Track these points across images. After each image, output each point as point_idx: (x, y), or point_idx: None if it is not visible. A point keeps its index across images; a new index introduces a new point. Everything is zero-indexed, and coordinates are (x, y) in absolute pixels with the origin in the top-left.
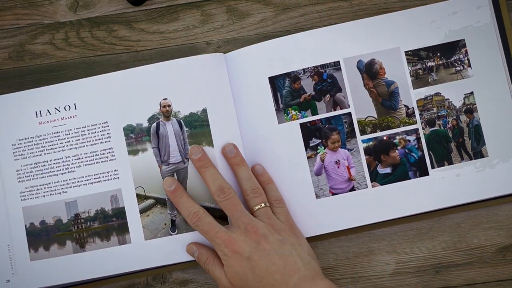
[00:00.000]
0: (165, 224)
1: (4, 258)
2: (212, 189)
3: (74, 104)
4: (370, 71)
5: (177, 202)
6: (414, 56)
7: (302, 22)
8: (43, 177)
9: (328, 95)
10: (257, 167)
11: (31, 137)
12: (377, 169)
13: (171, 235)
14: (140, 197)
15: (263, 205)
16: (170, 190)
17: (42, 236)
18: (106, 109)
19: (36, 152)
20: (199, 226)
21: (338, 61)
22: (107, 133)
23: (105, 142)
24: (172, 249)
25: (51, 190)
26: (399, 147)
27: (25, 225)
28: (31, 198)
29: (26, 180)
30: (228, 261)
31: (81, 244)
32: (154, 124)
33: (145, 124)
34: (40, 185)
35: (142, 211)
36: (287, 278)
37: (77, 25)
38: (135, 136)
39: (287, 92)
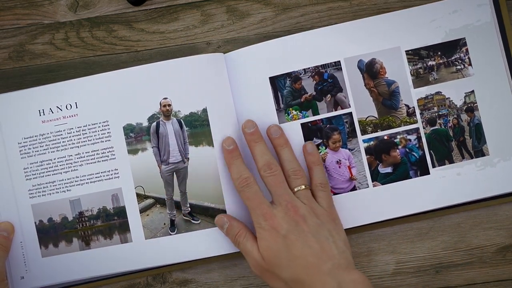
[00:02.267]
0: (165, 224)
1: (18, 255)
2: (259, 163)
3: (75, 103)
4: (370, 71)
5: (230, 162)
6: (414, 55)
7: (302, 22)
8: (48, 175)
9: (329, 95)
10: (308, 146)
11: (35, 136)
12: (378, 168)
13: (171, 234)
14: (140, 197)
15: (303, 187)
16: (228, 149)
17: (51, 233)
18: (106, 108)
19: (40, 150)
20: (245, 192)
21: (339, 61)
22: (107, 132)
23: (106, 141)
24: (171, 249)
25: (56, 188)
26: (400, 147)
27: (35, 222)
28: (38, 196)
29: (33, 178)
30: (264, 234)
31: (87, 242)
32: (154, 124)
33: (145, 124)
34: (46, 183)
35: (142, 211)
36: (321, 262)
37: (77, 25)
38: (135, 136)
39: (288, 92)
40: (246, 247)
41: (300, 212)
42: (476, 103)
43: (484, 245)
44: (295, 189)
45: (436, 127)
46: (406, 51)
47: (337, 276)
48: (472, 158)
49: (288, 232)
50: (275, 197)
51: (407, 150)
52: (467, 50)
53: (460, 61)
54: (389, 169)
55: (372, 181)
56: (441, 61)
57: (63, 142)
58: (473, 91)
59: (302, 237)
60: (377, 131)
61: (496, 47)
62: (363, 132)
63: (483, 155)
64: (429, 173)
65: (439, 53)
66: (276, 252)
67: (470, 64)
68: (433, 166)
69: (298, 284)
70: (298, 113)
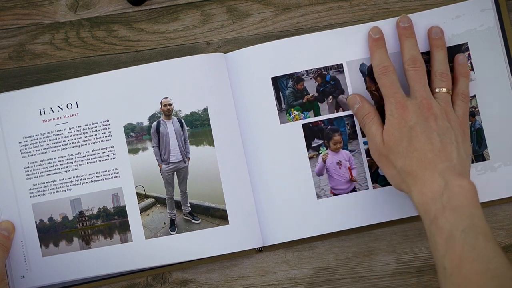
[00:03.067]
0: (165, 223)
1: (18, 254)
2: (405, 56)
3: (76, 102)
4: (372, 74)
5: (374, 50)
6: None
7: (302, 22)
8: (49, 174)
9: (331, 96)
10: (460, 57)
11: (36, 135)
12: (378, 170)
13: (171, 234)
14: (140, 196)
15: (444, 90)
16: (374, 38)
17: (51, 233)
18: (107, 107)
19: (41, 149)
20: (383, 79)
21: (341, 64)
22: (108, 132)
23: (106, 140)
24: (171, 249)
25: (56, 188)
26: None
27: (35, 222)
28: (39, 195)
29: (34, 177)
30: (392, 121)
31: (87, 241)
32: (155, 123)
33: (146, 123)
34: (47, 182)
35: (142, 210)
36: (437, 161)
37: (77, 25)
38: (136, 135)
39: (290, 92)
40: (370, 129)
41: (433, 110)
42: (477, 107)
43: None
44: (436, 90)
45: None
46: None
47: (447, 177)
48: (472, 162)
49: (415, 124)
50: (413, 91)
51: None
52: (469, 55)
53: None
54: None
55: (372, 183)
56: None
57: (63, 141)
58: (474, 96)
59: (428, 133)
60: None
61: (498, 52)
62: (364, 134)
63: (483, 159)
64: None
65: None
66: (398, 140)
67: (472, 69)
68: None
69: (408, 175)
70: (300, 113)
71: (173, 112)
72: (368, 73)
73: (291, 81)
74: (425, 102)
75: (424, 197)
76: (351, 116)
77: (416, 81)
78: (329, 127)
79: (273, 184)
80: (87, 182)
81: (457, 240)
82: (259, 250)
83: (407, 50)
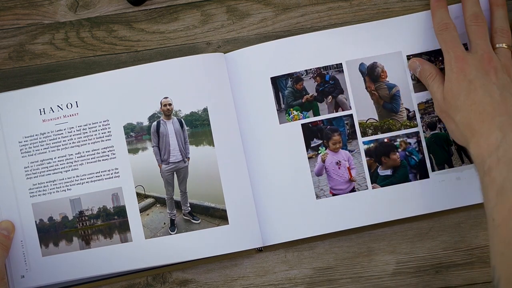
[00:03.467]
0: (165, 223)
1: (18, 254)
2: (467, 13)
3: (76, 102)
4: (372, 74)
5: (436, 9)
6: None
7: (302, 22)
8: (49, 174)
9: (330, 96)
10: None
11: (36, 135)
12: (378, 170)
13: (171, 234)
14: (140, 196)
15: (505, 45)
16: None
17: (51, 233)
18: (107, 107)
19: (41, 149)
20: (443, 35)
21: (341, 64)
22: (108, 132)
23: (106, 140)
24: (171, 249)
25: (56, 187)
26: (399, 150)
27: (35, 221)
28: (39, 195)
29: (34, 177)
30: (450, 76)
31: (87, 241)
32: (155, 123)
33: (146, 123)
34: (47, 182)
35: (142, 210)
36: (496, 114)
37: (77, 25)
38: (135, 135)
39: (289, 92)
40: (433, 88)
41: (493, 63)
42: None
43: (484, 245)
44: (497, 46)
45: (436, 131)
46: (407, 56)
47: (505, 130)
48: (471, 162)
49: (475, 78)
50: (473, 46)
51: (407, 153)
52: None
53: None
54: (388, 172)
55: (372, 183)
56: (442, 66)
57: (63, 141)
58: None
59: (487, 86)
60: (377, 134)
61: None
62: (363, 134)
63: None
64: (428, 177)
65: (440, 58)
66: (457, 94)
67: None
68: (433, 170)
69: (467, 129)
70: (299, 113)
71: (173, 112)
72: (367, 72)
73: (290, 81)
74: (486, 56)
75: (480, 149)
76: (350, 116)
77: (477, 36)
78: (328, 127)
79: (272, 184)
80: (87, 182)
81: (508, 193)
82: (259, 250)
83: (469, 7)
